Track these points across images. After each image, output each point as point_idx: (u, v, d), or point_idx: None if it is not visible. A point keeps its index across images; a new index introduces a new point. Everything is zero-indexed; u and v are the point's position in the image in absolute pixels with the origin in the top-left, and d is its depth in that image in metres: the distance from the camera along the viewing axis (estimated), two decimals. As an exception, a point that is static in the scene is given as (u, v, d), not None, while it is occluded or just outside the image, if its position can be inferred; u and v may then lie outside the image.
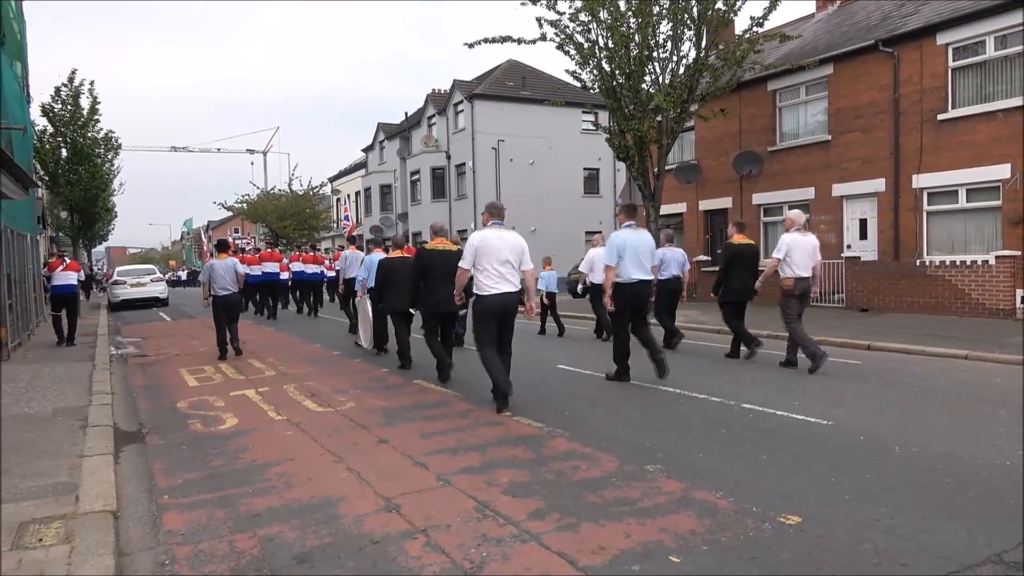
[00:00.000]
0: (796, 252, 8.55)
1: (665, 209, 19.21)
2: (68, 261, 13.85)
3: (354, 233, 18.58)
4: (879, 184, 16.33)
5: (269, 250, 21.56)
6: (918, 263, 14.75)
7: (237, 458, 5.39)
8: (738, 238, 9.78)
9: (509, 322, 6.99)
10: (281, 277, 20.11)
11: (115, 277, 26.59)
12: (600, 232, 34.41)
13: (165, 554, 3.65)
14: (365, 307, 11.69)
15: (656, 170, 16.99)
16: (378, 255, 10.91)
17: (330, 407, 7.16)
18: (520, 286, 6.91)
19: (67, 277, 13.35)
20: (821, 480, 4.47)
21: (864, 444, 5.26)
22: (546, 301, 13.25)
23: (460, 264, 7.00)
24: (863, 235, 17.00)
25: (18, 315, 12.71)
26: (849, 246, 16.96)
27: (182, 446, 5.83)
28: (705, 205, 20.99)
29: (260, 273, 19.37)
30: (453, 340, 9.20)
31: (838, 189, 17.24)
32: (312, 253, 21.06)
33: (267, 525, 3.98)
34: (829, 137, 17.37)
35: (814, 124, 18.09)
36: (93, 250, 46.71)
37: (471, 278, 6.95)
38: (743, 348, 9.69)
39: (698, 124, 19.34)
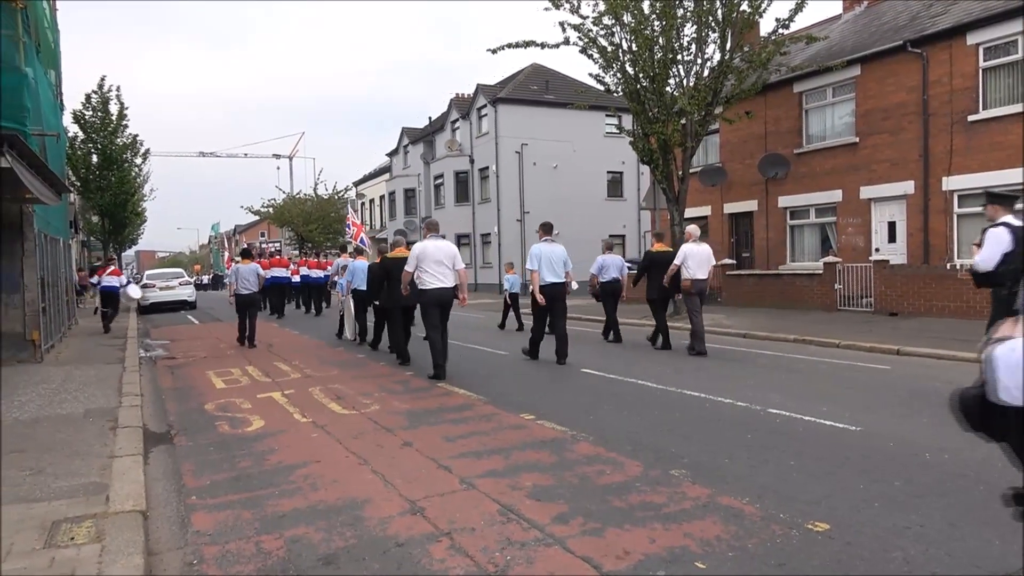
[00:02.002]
0: (692, 259, 10.51)
1: (690, 212, 19.04)
2: (112, 268, 18.38)
3: (360, 238, 19.75)
4: (908, 186, 16.09)
5: (277, 257, 24.78)
6: (948, 266, 14.50)
7: (264, 460, 5.45)
8: (657, 246, 12.04)
9: (446, 310, 9.01)
10: (292, 280, 23.17)
11: (144, 280, 27.10)
12: (618, 237, 34.30)
13: (193, 554, 3.71)
14: (349, 305, 13.78)
15: (680, 173, 16.87)
16: (362, 262, 12.99)
17: (355, 410, 7.21)
18: (455, 283, 8.91)
19: (112, 280, 17.43)
20: (850, 486, 4.41)
21: (894, 450, 5.19)
22: (508, 300, 15.49)
23: (405, 267, 8.97)
24: (892, 238, 16.75)
25: (51, 318, 12.96)
26: (877, 249, 16.71)
27: (210, 447, 5.91)
28: (730, 208, 20.83)
29: (269, 277, 20.50)
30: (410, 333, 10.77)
31: (866, 191, 17.02)
32: (318, 260, 23.92)
33: (293, 526, 4.02)
34: (856, 139, 17.15)
35: (841, 126, 17.88)
36: (123, 254, 47.42)
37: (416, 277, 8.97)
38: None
39: (723, 127, 19.20)
